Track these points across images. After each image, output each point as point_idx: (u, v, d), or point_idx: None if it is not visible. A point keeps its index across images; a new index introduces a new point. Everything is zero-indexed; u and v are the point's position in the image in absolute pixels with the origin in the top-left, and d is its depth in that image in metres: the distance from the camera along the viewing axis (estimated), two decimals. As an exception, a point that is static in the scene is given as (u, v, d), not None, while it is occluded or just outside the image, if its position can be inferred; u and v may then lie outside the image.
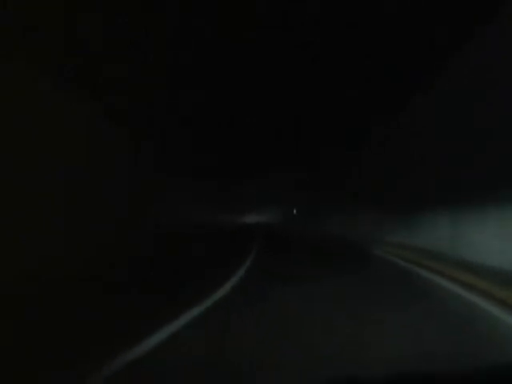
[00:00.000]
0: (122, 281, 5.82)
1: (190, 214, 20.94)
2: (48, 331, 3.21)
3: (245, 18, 6.34)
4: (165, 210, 16.21)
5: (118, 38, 6.79)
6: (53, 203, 7.54)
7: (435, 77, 8.19)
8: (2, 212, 6.03)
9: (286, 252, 11.82)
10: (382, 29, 6.62)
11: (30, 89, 6.81)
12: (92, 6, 5.76)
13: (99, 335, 3.14)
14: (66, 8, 5.69)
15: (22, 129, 6.58)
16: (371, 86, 9.29)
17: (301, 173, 24.85)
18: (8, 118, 6.18)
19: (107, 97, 9.32)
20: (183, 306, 4.12)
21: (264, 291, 5.14)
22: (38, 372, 2.40)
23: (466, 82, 7.11)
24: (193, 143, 16.03)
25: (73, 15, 5.89)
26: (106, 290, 5.02)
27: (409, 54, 7.45)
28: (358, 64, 8.12)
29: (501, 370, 1.17)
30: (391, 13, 6.13)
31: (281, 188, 29.27)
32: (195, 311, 3.86)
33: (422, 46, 7.10)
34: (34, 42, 6.31)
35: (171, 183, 17.70)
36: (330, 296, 4.93)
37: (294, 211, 25.95)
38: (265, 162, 21.53)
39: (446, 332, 3.42)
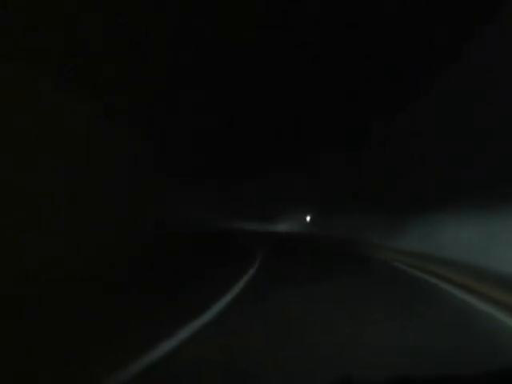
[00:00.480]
0: (122, 281, 5.80)
1: (190, 214, 20.93)
2: (48, 331, 3.20)
3: (245, 17, 6.35)
4: (165, 209, 16.20)
5: (117, 38, 6.79)
6: (53, 203, 7.54)
7: (435, 77, 8.18)
8: (2, 212, 6.03)
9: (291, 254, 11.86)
10: (382, 29, 6.63)
11: (30, 89, 6.80)
12: (92, 5, 5.77)
13: (99, 335, 3.14)
14: (66, 8, 5.69)
15: (22, 129, 6.58)
16: (371, 86, 9.29)
17: (300, 173, 24.83)
18: (8, 118, 6.17)
19: (107, 97, 9.32)
20: (183, 306, 4.12)
21: (267, 290, 5.16)
22: (38, 372, 2.40)
23: (466, 82, 7.11)
24: (193, 143, 16.03)
25: (73, 15, 5.89)
26: (105, 290, 5.00)
27: (409, 53, 7.45)
28: (358, 64, 8.12)
29: (502, 371, 1.17)
30: (391, 13, 6.13)
31: (280, 188, 29.24)
32: (196, 311, 3.85)
33: (422, 45, 7.10)
34: (34, 41, 6.30)
35: (171, 183, 17.69)
36: (331, 296, 4.95)
37: (308, 218, 25.63)
38: (265, 162, 21.53)
39: (447, 333, 3.42)
